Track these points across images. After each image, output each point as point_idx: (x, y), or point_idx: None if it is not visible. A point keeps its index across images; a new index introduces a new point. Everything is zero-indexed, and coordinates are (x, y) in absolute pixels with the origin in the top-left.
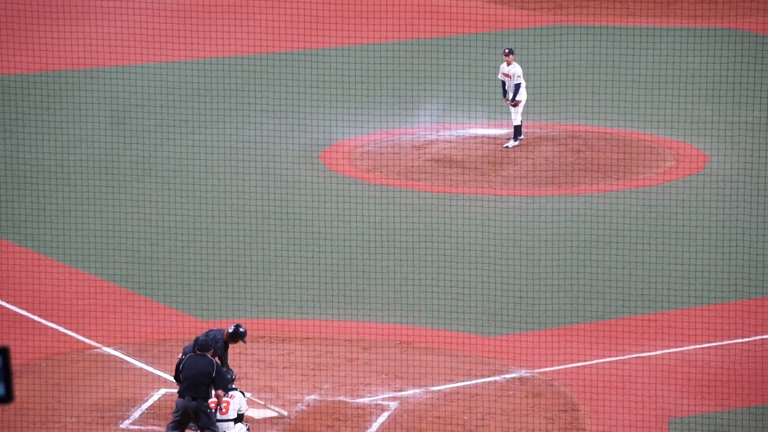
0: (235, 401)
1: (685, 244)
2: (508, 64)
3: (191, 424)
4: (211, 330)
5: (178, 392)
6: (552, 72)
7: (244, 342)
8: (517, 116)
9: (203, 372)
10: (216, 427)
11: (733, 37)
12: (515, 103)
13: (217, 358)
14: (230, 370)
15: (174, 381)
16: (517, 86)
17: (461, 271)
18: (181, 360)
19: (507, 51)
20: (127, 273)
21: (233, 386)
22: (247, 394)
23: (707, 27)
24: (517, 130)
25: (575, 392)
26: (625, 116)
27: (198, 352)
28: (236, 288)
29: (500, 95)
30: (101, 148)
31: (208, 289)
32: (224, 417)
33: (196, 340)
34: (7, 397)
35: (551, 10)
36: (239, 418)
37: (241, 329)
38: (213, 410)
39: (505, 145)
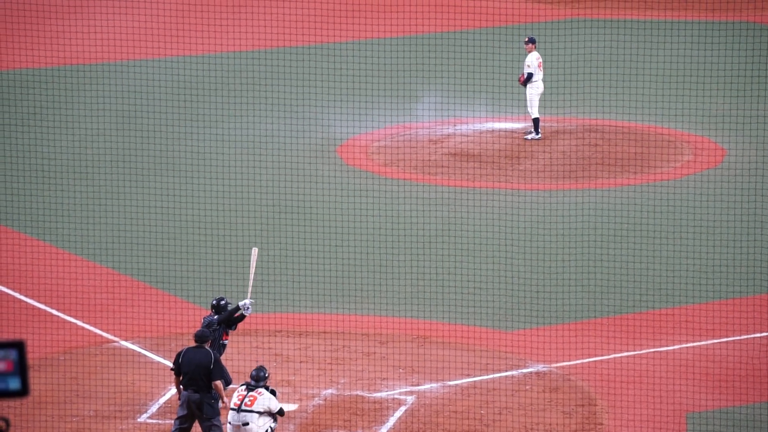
0: (264, 398)
1: (702, 239)
2: (528, 52)
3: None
4: (206, 317)
5: (181, 384)
6: (570, 66)
7: (226, 310)
8: (532, 109)
9: (201, 365)
10: (218, 420)
11: (751, 31)
12: (522, 80)
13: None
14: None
15: (174, 375)
16: (529, 75)
17: (478, 266)
18: (180, 353)
19: (526, 40)
20: (145, 267)
21: (265, 384)
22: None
23: (725, 20)
24: (536, 123)
25: (592, 387)
26: (643, 110)
27: (196, 344)
28: (253, 282)
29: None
30: (119, 142)
31: (226, 283)
32: (249, 408)
33: (197, 332)
34: (23, 391)
35: (569, 4)
36: (267, 415)
37: (222, 301)
38: (216, 401)
39: (525, 136)
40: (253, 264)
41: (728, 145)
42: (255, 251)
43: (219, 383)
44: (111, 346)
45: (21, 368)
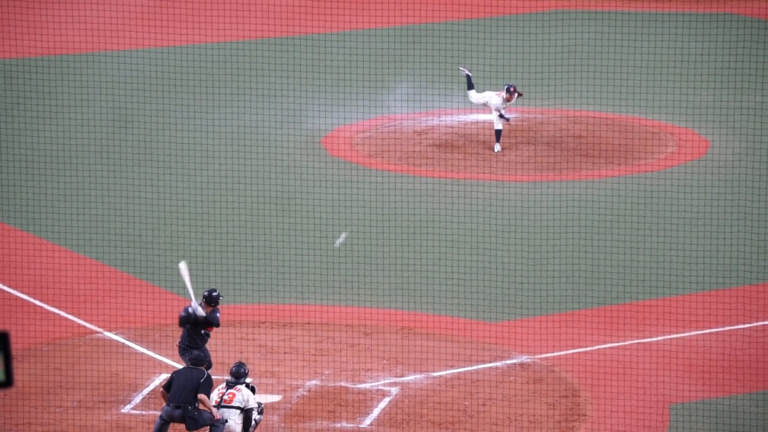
0: (241, 394)
1: (686, 230)
2: (508, 100)
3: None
4: (187, 308)
5: (167, 401)
6: (554, 57)
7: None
8: (498, 121)
9: (192, 378)
10: (212, 420)
11: (735, 23)
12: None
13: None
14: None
15: (163, 389)
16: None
17: (462, 257)
18: (175, 371)
19: (512, 90)
20: (129, 258)
21: (244, 381)
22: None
23: (709, 12)
24: (498, 135)
25: (576, 378)
26: (627, 101)
27: (192, 366)
28: (237, 273)
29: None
30: (102, 132)
31: (210, 274)
32: (229, 404)
33: (191, 352)
34: (7, 382)
35: None
36: (246, 411)
37: (214, 293)
38: (201, 412)
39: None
40: (186, 278)
41: (712, 137)
42: (183, 265)
43: (204, 396)
44: (94, 337)
45: (5, 359)
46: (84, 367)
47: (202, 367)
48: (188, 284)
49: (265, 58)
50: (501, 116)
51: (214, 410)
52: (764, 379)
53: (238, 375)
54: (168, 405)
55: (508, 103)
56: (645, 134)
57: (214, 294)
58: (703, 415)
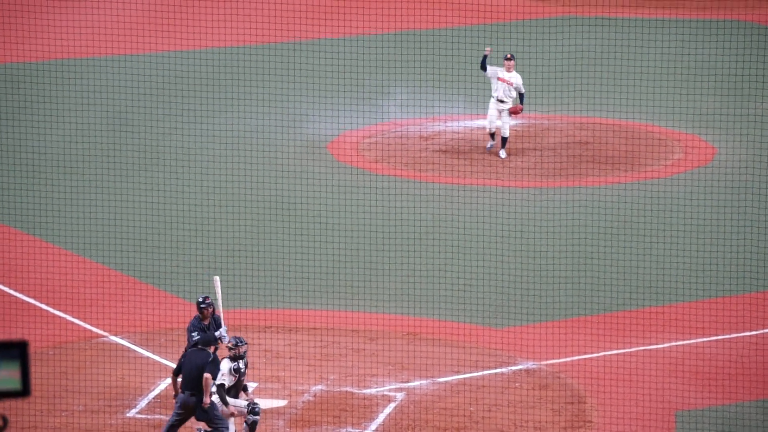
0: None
1: (693, 237)
2: (508, 70)
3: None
4: (192, 324)
5: (180, 387)
6: (560, 63)
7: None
8: (506, 127)
9: (199, 359)
10: (220, 421)
11: (742, 29)
12: (517, 111)
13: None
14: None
15: (173, 375)
16: (522, 96)
17: (468, 263)
18: (184, 354)
19: (509, 56)
20: (134, 262)
21: (235, 355)
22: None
23: (716, 19)
24: (504, 141)
25: (582, 384)
26: (634, 108)
27: (200, 347)
28: (243, 278)
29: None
30: (108, 136)
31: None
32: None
33: (198, 338)
34: (24, 392)
35: (560, 1)
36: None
37: (208, 299)
38: (213, 405)
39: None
40: (218, 293)
41: (719, 144)
42: (216, 280)
43: (209, 377)
44: (100, 341)
45: (23, 368)
46: (90, 371)
47: (210, 349)
48: (220, 304)
49: (270, 63)
50: (520, 95)
51: (208, 398)
52: None
53: (229, 349)
54: (182, 392)
55: (508, 74)
56: (651, 141)
57: (209, 301)
58: (709, 422)
